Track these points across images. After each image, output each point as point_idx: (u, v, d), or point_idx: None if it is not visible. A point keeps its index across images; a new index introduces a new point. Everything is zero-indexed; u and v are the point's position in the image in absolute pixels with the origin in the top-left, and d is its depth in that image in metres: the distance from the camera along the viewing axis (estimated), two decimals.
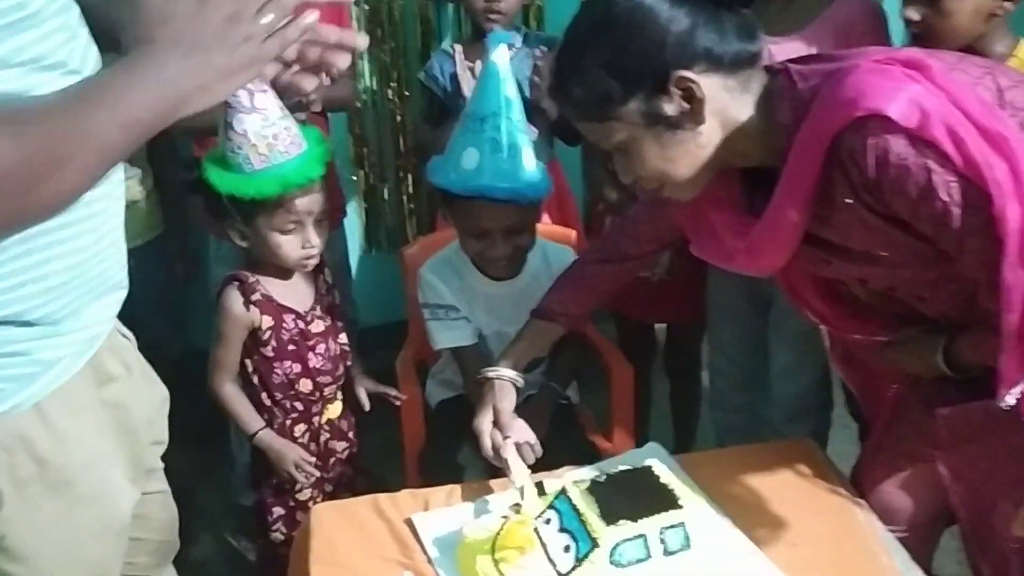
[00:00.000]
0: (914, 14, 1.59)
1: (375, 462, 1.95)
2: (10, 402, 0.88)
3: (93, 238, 0.92)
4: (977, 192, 1.01)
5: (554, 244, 1.92)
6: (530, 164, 1.67)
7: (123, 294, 1.01)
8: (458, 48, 2.29)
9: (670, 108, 1.12)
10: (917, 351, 1.32)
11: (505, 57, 1.65)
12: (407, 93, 2.80)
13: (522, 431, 1.52)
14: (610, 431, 1.94)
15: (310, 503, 1.67)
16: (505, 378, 1.55)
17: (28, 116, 0.72)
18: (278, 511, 1.71)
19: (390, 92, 2.80)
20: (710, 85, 1.11)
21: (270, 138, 1.44)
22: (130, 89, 0.73)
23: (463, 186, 1.65)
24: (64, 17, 0.86)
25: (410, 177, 2.93)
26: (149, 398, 1.13)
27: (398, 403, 1.81)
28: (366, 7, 2.66)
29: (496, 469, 1.53)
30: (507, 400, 1.53)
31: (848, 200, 1.10)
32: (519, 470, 1.44)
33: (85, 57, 0.90)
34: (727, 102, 1.14)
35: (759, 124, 1.15)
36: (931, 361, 1.29)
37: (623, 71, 1.12)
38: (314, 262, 1.61)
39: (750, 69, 1.14)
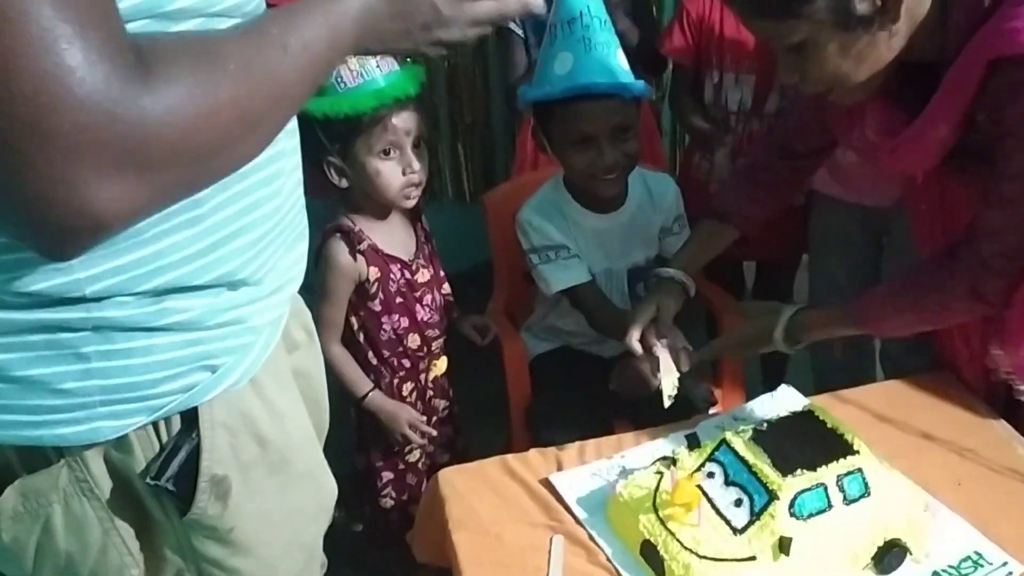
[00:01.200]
0: None
1: (474, 420, 1.87)
2: (232, 377, 0.79)
3: (283, 181, 0.83)
4: None
5: (653, 172, 1.83)
6: (624, 61, 1.59)
7: (306, 245, 0.91)
8: None
9: (863, 6, 1.03)
10: (755, 329, 1.37)
11: None
12: None
13: (678, 337, 1.45)
14: (719, 376, 1.86)
15: (420, 465, 1.59)
16: (677, 279, 1.47)
17: (219, 64, 0.64)
18: (387, 475, 1.64)
19: None
20: None
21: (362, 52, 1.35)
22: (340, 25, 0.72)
23: (563, 89, 1.55)
24: None
25: (464, 123, 2.81)
26: (323, 367, 1.04)
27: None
28: None
29: (615, 421, 1.45)
30: (673, 300, 1.46)
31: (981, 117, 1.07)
32: (668, 371, 1.39)
33: None
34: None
35: (935, 18, 1.07)
36: (768, 336, 1.34)
37: None
38: (416, 193, 1.51)
39: None
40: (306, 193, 0.96)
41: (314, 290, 1.54)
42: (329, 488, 1.00)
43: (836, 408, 1.42)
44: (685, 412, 1.47)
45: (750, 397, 1.52)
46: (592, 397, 1.69)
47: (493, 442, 1.69)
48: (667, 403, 1.40)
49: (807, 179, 1.54)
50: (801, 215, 2.05)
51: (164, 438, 0.78)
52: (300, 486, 0.91)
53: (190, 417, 0.78)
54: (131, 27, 0.61)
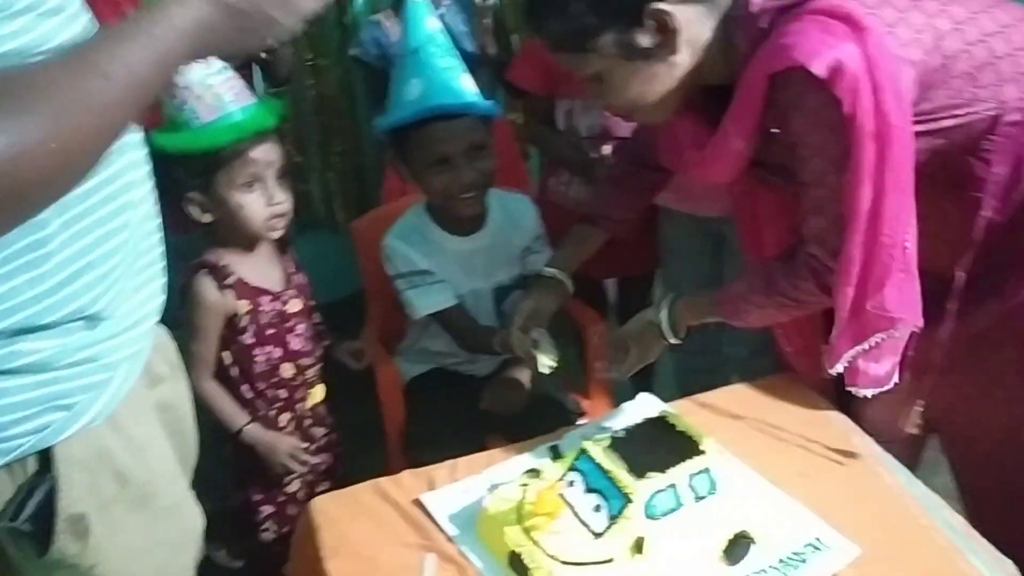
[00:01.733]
0: None
1: (350, 446, 1.89)
2: (87, 416, 0.80)
3: (130, 214, 0.84)
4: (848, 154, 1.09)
5: (509, 194, 1.90)
6: (472, 83, 1.66)
7: (165, 280, 0.92)
8: (383, 17, 2.23)
9: (644, 39, 1.15)
10: (644, 323, 1.46)
11: None
12: (323, 62, 2.70)
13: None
14: (586, 387, 1.93)
15: (300, 495, 1.60)
16: (556, 277, 1.57)
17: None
18: (267, 509, 1.64)
19: (308, 67, 2.69)
20: (684, 14, 1.14)
21: (216, 87, 1.38)
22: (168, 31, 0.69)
23: (415, 112, 1.60)
24: None
25: (334, 152, 2.83)
26: (189, 399, 1.05)
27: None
28: None
29: (488, 438, 1.51)
30: (552, 298, 1.57)
31: (775, 131, 1.17)
32: (548, 351, 1.51)
33: None
34: (698, 30, 1.17)
35: (720, 44, 1.19)
36: (656, 326, 1.44)
37: (599, 3, 1.14)
38: (282, 224, 1.53)
39: None
40: (167, 229, 0.97)
41: (183, 327, 1.53)
42: (196, 519, 1.01)
43: (694, 411, 1.52)
44: (553, 424, 1.54)
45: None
46: (466, 416, 1.74)
47: (373, 468, 1.70)
48: (546, 371, 1.52)
49: (664, 186, 1.64)
50: (652, 231, 2.16)
51: (20, 479, 0.78)
52: (166, 519, 0.92)
53: (46, 457, 0.79)
54: None
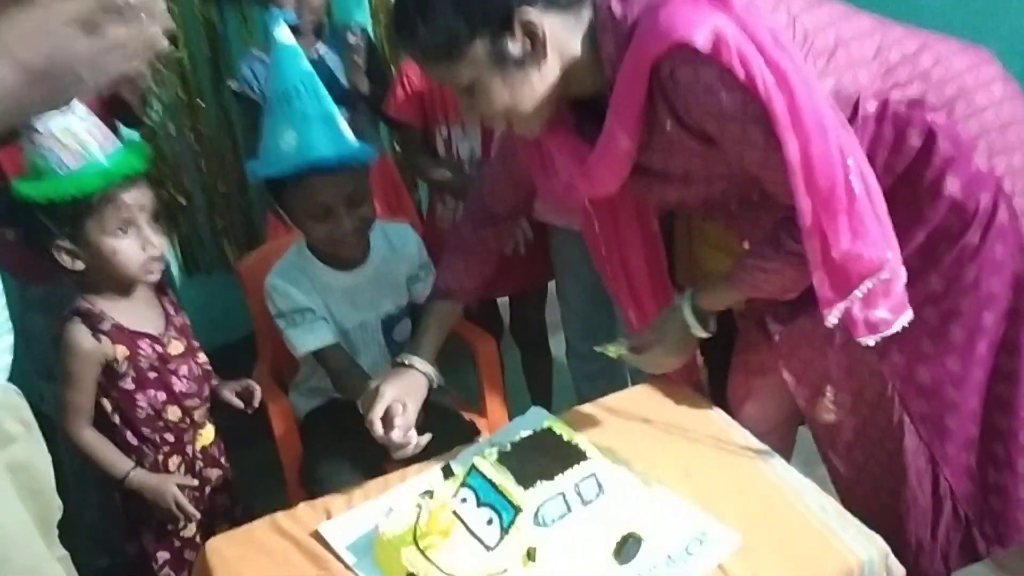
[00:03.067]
0: None
1: (250, 485, 1.86)
2: None
3: None
4: (765, 113, 1.12)
5: (392, 224, 1.91)
6: (348, 131, 1.65)
7: (11, 339, 0.91)
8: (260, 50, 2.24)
9: (514, 47, 1.18)
10: (669, 329, 1.44)
11: (289, 34, 1.61)
12: (202, 104, 2.67)
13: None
14: (482, 407, 1.96)
15: (197, 539, 1.58)
16: (428, 375, 1.53)
17: None
18: (163, 555, 1.60)
19: (183, 107, 2.66)
20: (550, 23, 1.17)
21: (81, 134, 1.36)
22: None
23: (291, 166, 1.58)
24: None
25: (218, 193, 2.80)
26: (46, 458, 1.02)
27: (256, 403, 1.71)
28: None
29: (386, 463, 1.51)
30: (419, 395, 1.51)
31: (668, 126, 1.20)
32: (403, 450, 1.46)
33: None
34: (564, 38, 1.21)
35: (588, 56, 1.22)
36: (685, 329, 1.41)
37: (469, 12, 1.15)
38: (158, 267, 1.50)
39: (581, 5, 1.21)
40: (31, 279, 0.95)
41: (54, 377, 1.50)
42: None
43: (584, 418, 1.57)
44: (449, 445, 1.55)
45: None
46: (362, 445, 1.74)
47: (273, 506, 1.68)
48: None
49: (511, 236, 1.67)
50: (540, 247, 2.21)
51: None
52: None
53: None
54: None
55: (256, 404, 1.69)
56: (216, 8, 2.63)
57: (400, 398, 1.46)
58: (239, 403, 1.67)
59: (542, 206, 2.12)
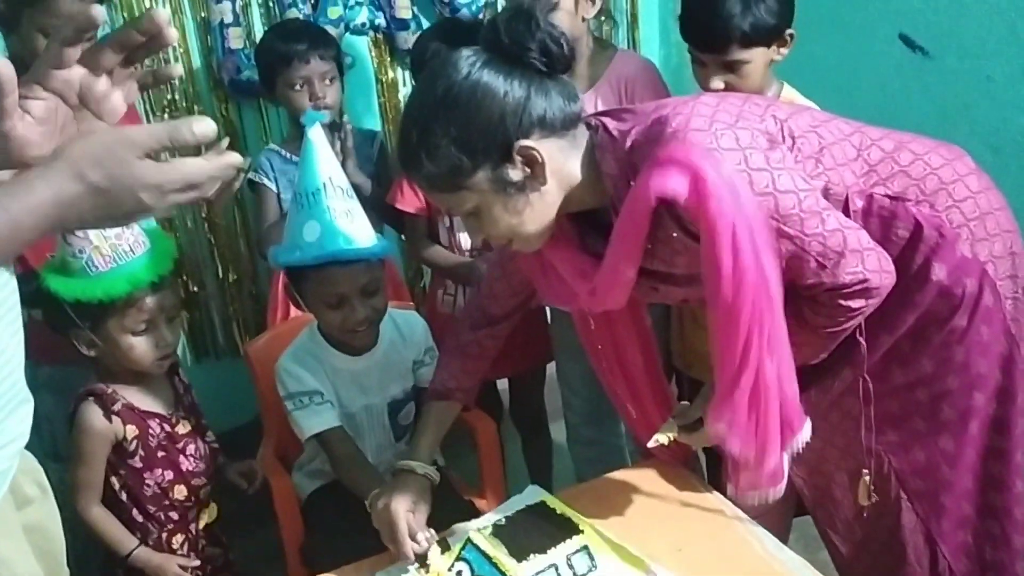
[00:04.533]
0: (718, 83, 1.76)
1: (253, 565, 1.89)
2: None
3: None
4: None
5: (400, 310, 1.98)
6: (368, 225, 1.74)
7: (31, 407, 0.97)
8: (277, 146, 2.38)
9: (515, 174, 1.22)
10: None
11: (321, 134, 1.73)
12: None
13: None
14: (482, 488, 1.99)
15: None
16: (429, 476, 1.54)
17: None
18: None
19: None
20: (547, 148, 1.21)
21: (112, 238, 1.42)
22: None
23: (313, 256, 1.67)
24: None
25: (229, 281, 2.89)
26: (59, 522, 1.07)
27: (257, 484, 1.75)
28: (165, 117, 2.64)
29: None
30: (427, 499, 1.51)
31: (675, 234, 1.24)
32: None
33: None
34: (562, 161, 1.25)
35: (588, 175, 1.27)
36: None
37: (470, 145, 1.19)
38: (168, 362, 1.57)
39: (575, 128, 1.26)
40: (45, 359, 1.02)
41: (61, 457, 1.55)
42: None
43: (580, 496, 1.59)
44: (448, 523, 1.57)
45: None
46: (364, 524, 1.77)
47: None
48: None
49: (505, 336, 1.68)
50: (539, 328, 2.26)
51: None
52: None
53: None
54: None
55: (258, 485, 1.73)
56: (235, 107, 2.76)
57: (411, 508, 1.48)
58: (243, 483, 1.71)
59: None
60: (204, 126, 0.76)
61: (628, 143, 1.25)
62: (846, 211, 1.29)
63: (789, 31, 1.76)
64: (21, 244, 0.75)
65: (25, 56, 1.94)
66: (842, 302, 1.25)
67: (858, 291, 1.24)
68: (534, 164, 1.21)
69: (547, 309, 2.27)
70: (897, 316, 1.32)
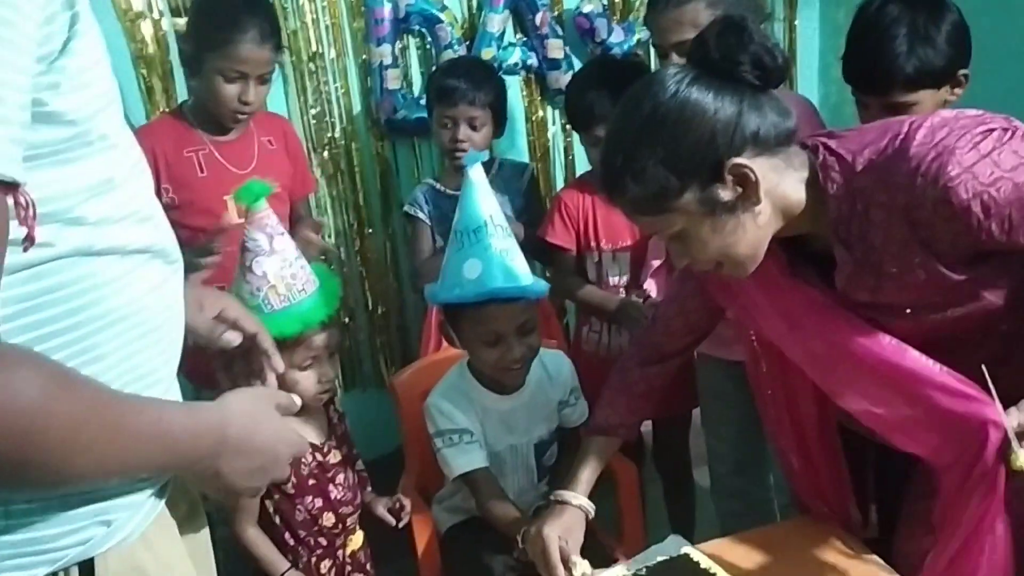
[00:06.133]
0: None
1: None
2: (124, 531, 0.88)
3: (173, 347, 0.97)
4: None
5: (548, 351, 1.97)
6: (525, 263, 1.75)
7: None
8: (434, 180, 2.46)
9: (725, 194, 1.17)
10: None
11: (482, 173, 1.75)
12: (369, 230, 2.89)
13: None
14: (621, 533, 1.96)
15: None
16: (584, 508, 1.55)
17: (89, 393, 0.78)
18: None
19: (354, 233, 2.88)
20: (761, 166, 1.16)
21: (288, 278, 1.48)
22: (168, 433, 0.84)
23: (474, 294, 1.69)
24: None
25: (378, 313, 2.99)
26: (209, 538, 1.13)
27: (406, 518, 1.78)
28: (325, 154, 2.78)
29: None
30: (580, 531, 1.53)
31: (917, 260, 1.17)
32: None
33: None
34: (776, 180, 1.19)
35: (810, 196, 1.21)
36: None
37: (678, 165, 1.16)
38: (328, 396, 1.63)
39: (789, 146, 1.21)
40: (206, 385, 1.09)
41: None
42: None
43: (727, 550, 1.54)
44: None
45: None
46: (502, 563, 1.78)
47: None
48: None
49: (673, 375, 1.65)
50: (687, 373, 2.19)
51: None
52: None
53: (88, 567, 0.86)
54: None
55: (405, 520, 1.76)
56: (390, 144, 2.87)
57: (564, 536, 1.49)
58: (391, 519, 1.75)
59: None
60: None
61: (860, 164, 1.18)
62: None
63: (963, 71, 1.66)
64: (140, 474, 0.88)
65: (206, 98, 2.09)
66: None
67: None
68: (747, 183, 1.16)
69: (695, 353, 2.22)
70: None
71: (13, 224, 0.73)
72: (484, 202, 1.72)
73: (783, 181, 1.21)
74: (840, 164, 1.20)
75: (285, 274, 1.48)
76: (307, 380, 1.58)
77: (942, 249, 1.17)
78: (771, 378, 1.53)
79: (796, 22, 3.20)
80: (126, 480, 0.86)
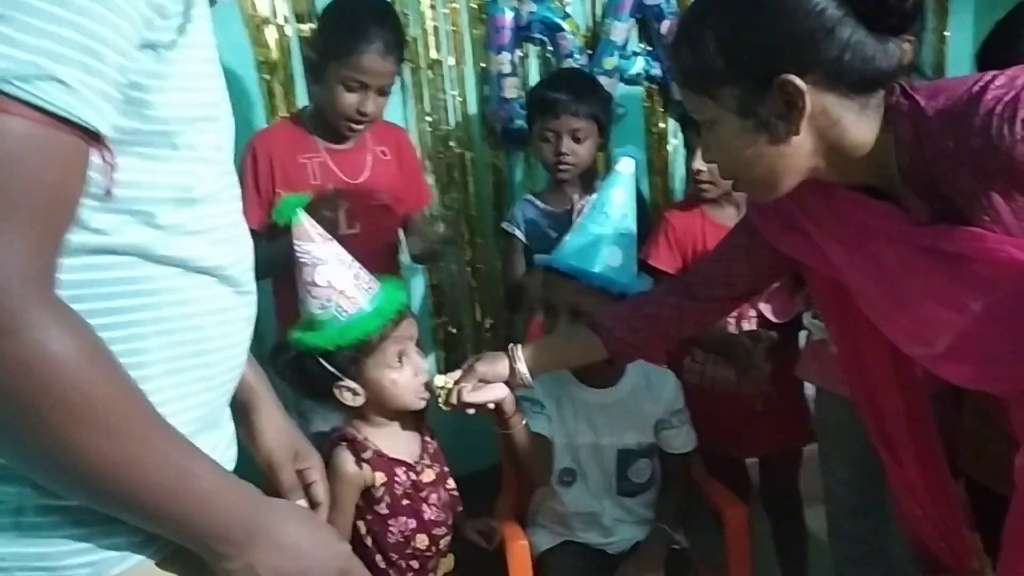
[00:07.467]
0: None
1: None
2: (140, 555, 0.84)
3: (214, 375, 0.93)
4: None
5: (654, 367, 1.94)
6: (612, 258, 1.77)
7: (233, 430, 1.01)
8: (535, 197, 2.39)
9: (764, 108, 1.08)
10: None
11: (630, 166, 1.79)
12: (480, 240, 2.86)
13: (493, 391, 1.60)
14: (727, 571, 1.86)
15: None
16: (519, 370, 1.58)
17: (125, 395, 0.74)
18: None
19: (464, 243, 2.86)
20: (819, 100, 1.06)
21: (352, 279, 1.47)
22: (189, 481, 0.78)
23: (546, 261, 1.81)
24: None
25: (485, 324, 2.95)
26: None
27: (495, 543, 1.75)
28: (439, 162, 2.76)
29: None
30: (498, 365, 1.60)
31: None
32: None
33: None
34: (833, 121, 1.08)
35: (880, 142, 1.10)
36: None
37: (732, 54, 1.08)
38: (426, 393, 1.59)
39: (871, 95, 1.09)
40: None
41: None
42: None
43: None
44: None
45: None
46: None
47: None
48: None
49: (684, 328, 1.59)
50: (797, 411, 2.11)
51: None
52: None
53: None
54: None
55: (495, 544, 1.73)
56: (504, 155, 2.83)
57: (485, 377, 1.58)
58: (483, 542, 1.71)
59: (805, 363, 2.03)
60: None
61: (931, 110, 1.06)
62: None
63: None
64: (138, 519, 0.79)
65: (325, 106, 2.10)
66: None
67: None
68: (792, 108, 1.06)
69: (804, 385, 2.10)
70: None
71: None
72: (614, 192, 1.75)
73: (847, 131, 1.09)
74: (913, 107, 1.08)
75: (348, 275, 1.46)
76: (404, 376, 1.55)
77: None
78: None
79: (947, 32, 3.00)
80: (118, 512, 0.78)
